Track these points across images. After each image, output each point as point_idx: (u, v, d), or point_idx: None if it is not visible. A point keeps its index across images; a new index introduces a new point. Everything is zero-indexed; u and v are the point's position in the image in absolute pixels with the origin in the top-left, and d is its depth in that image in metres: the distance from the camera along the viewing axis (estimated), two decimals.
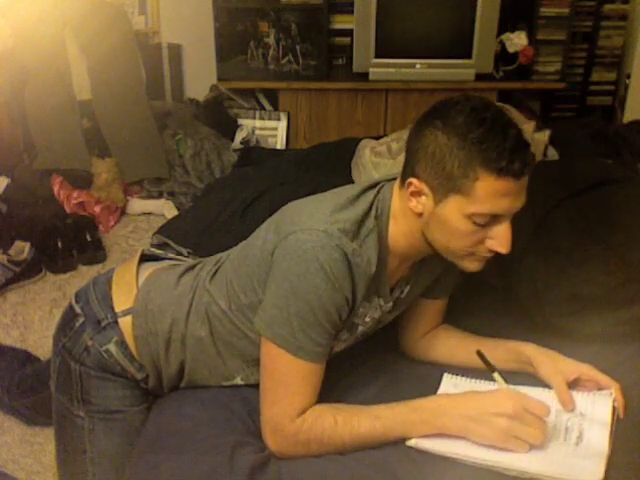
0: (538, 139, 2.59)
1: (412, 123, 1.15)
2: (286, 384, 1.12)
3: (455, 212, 1.07)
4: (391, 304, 1.25)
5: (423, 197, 1.10)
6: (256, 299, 1.18)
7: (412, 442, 1.13)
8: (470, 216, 1.06)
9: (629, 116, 3.22)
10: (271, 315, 1.11)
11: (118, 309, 1.29)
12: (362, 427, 1.12)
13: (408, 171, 1.12)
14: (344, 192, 1.18)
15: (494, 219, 1.08)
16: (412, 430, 1.12)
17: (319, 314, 1.09)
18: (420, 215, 1.12)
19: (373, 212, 1.15)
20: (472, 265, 1.16)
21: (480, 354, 1.26)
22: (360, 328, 1.24)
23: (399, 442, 1.14)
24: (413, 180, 1.10)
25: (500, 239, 1.10)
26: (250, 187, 2.56)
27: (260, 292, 1.17)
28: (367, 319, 1.23)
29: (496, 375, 1.20)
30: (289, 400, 1.12)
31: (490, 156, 1.02)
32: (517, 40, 3.25)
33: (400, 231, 1.16)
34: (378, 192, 1.18)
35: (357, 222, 1.12)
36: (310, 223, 1.10)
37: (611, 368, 1.25)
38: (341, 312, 1.12)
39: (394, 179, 1.21)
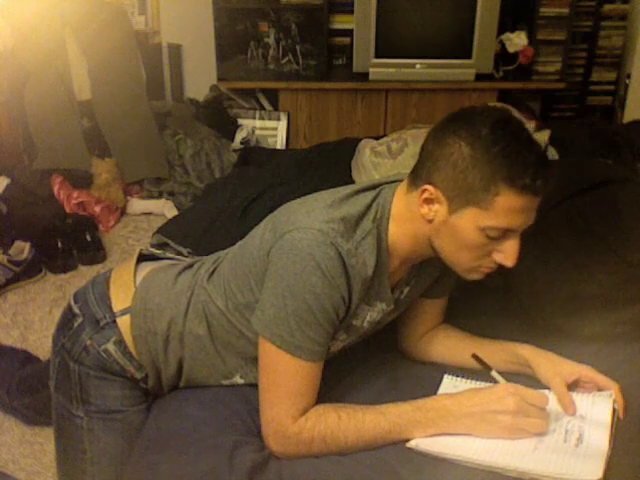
0: (538, 139, 2.58)
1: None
2: (286, 384, 1.12)
3: (469, 224, 1.07)
4: (392, 306, 1.25)
5: (436, 205, 1.10)
6: (253, 298, 1.18)
7: (412, 443, 1.12)
8: (484, 229, 1.07)
9: (629, 116, 3.22)
10: (269, 315, 1.11)
11: (116, 309, 1.29)
12: (367, 423, 1.12)
13: (423, 176, 1.11)
14: (340, 191, 1.18)
15: (505, 233, 1.09)
16: (417, 429, 1.12)
17: (317, 313, 1.09)
18: (430, 222, 1.12)
19: (371, 215, 1.14)
20: (473, 276, 1.17)
21: (475, 356, 1.26)
22: (358, 330, 1.23)
23: (399, 443, 1.13)
24: (429, 187, 1.09)
25: (508, 253, 1.11)
26: (250, 187, 2.55)
27: (257, 291, 1.17)
28: (366, 322, 1.22)
29: (494, 374, 1.21)
30: (290, 401, 1.12)
31: (514, 172, 1.03)
32: (517, 40, 3.25)
33: (402, 234, 1.16)
34: (377, 195, 1.17)
35: (351, 222, 1.12)
36: (306, 222, 1.10)
37: (611, 368, 1.25)
38: (338, 311, 1.12)
39: (394, 181, 1.20)
